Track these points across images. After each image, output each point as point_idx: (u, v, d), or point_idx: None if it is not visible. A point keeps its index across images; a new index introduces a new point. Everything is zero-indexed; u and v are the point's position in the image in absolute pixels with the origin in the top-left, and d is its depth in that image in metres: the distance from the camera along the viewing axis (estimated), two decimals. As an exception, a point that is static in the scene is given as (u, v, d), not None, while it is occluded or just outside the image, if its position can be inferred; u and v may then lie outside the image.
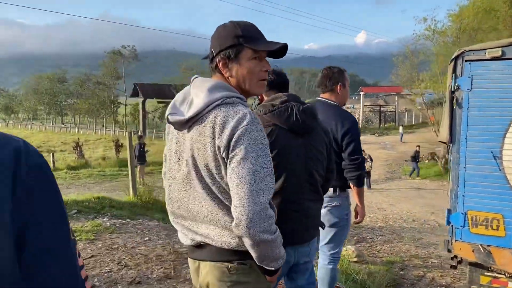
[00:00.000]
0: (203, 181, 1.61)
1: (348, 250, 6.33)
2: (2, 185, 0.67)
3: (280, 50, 1.66)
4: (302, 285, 2.44)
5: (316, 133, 2.32)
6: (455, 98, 4.43)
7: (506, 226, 4.19)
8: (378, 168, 22.20)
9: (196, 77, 1.71)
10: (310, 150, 2.26)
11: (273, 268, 1.59)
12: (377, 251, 7.23)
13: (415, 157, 20.16)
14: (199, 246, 1.71)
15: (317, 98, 3.49)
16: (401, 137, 34.79)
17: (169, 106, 1.70)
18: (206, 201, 1.61)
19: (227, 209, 1.58)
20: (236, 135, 1.49)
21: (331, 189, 3.18)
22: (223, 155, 1.52)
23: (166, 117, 1.67)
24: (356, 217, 3.42)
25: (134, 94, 45.92)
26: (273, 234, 1.49)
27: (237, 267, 1.63)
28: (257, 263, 1.58)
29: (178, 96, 1.73)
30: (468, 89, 4.34)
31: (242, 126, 1.50)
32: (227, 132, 1.50)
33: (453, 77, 4.42)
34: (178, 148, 1.70)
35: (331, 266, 3.39)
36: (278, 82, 2.66)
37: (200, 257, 1.72)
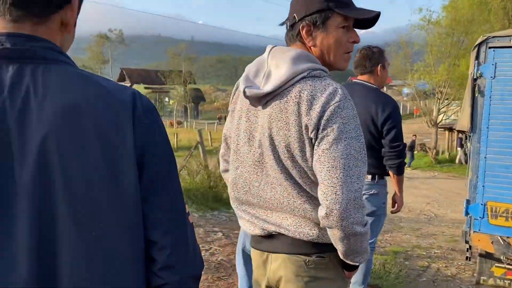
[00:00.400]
0: (281, 164, 1.41)
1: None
2: (125, 120, 0.82)
3: (371, 20, 1.47)
4: None
5: None
6: (477, 86, 4.30)
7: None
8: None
9: (274, 46, 1.50)
10: None
11: (357, 263, 1.43)
12: (379, 241, 7.16)
13: (412, 147, 20.22)
14: (270, 236, 1.51)
15: (353, 80, 3.32)
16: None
17: (241, 78, 1.49)
18: (282, 187, 1.42)
19: (307, 196, 1.40)
20: (327, 113, 1.29)
21: (369, 177, 3.05)
22: (311, 135, 1.32)
23: (242, 91, 1.44)
24: (393, 206, 3.29)
25: (121, 79, 45.25)
26: (365, 226, 1.32)
27: (316, 261, 1.44)
28: (341, 257, 1.41)
29: (250, 68, 1.51)
30: (491, 77, 4.21)
31: (334, 102, 1.30)
32: (316, 109, 1.31)
33: (475, 64, 4.29)
34: (249, 127, 1.50)
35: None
36: None
37: (271, 249, 1.51)
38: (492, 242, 4.28)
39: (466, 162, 18.94)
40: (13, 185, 0.74)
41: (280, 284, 1.50)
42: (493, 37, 4.27)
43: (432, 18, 19.08)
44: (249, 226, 1.57)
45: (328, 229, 1.34)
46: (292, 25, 1.48)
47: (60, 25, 0.88)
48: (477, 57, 4.30)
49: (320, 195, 1.31)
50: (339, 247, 1.36)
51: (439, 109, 20.85)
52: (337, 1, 1.42)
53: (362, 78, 3.16)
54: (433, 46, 19.07)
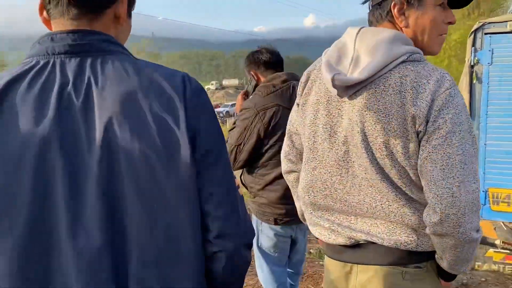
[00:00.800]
0: (376, 163, 1.23)
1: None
2: (178, 102, 0.89)
3: None
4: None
5: None
6: (474, 72, 4.29)
7: (530, 202, 4.15)
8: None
9: (362, 27, 1.30)
10: None
11: (460, 273, 1.27)
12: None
13: None
14: (357, 245, 1.33)
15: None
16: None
17: (323, 66, 1.27)
18: (375, 189, 1.25)
19: (406, 199, 1.23)
20: (438, 102, 1.13)
21: None
22: (419, 128, 1.16)
23: (330, 79, 1.21)
24: None
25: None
26: (479, 231, 1.17)
27: (414, 272, 1.27)
28: (446, 266, 1.25)
29: (330, 54, 1.31)
30: (488, 63, 4.22)
31: (444, 89, 1.14)
32: (425, 97, 1.14)
33: (472, 51, 4.29)
34: (330, 122, 1.31)
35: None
36: (274, 61, 2.58)
37: (359, 260, 1.34)
38: (495, 228, 4.32)
39: None
40: (83, 168, 0.84)
41: None
42: (489, 23, 4.28)
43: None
44: (329, 234, 1.39)
45: (436, 237, 1.18)
46: (380, 2, 1.30)
47: (113, 19, 0.97)
48: (473, 44, 4.29)
49: (431, 198, 1.15)
50: (448, 256, 1.20)
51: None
52: None
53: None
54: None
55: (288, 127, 1.53)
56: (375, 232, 1.28)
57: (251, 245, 1.01)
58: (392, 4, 1.27)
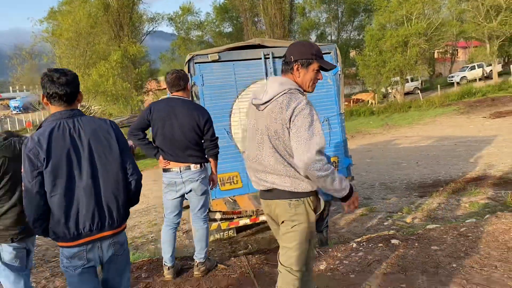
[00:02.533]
0: (272, 144, 2.45)
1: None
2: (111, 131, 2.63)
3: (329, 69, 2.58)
4: None
5: None
6: (193, 92, 5.68)
7: (242, 179, 5.92)
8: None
9: (271, 77, 2.31)
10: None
11: (339, 197, 2.40)
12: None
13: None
14: (269, 190, 2.54)
15: (170, 96, 3.97)
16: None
17: (252, 95, 2.59)
18: (273, 157, 2.45)
19: (287, 163, 2.43)
20: (295, 112, 2.34)
21: (198, 166, 3.93)
22: (288, 125, 2.36)
23: (251, 102, 2.56)
24: (209, 183, 4.21)
25: None
26: (325, 171, 2.28)
27: (295, 202, 2.47)
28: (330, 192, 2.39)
29: (257, 89, 2.61)
30: (201, 84, 5.69)
31: (299, 106, 2.35)
32: (289, 110, 2.35)
33: (189, 76, 5.64)
34: (255, 123, 2.56)
35: (206, 225, 4.15)
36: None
37: (270, 197, 2.56)
38: (225, 203, 5.87)
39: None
40: (80, 159, 2.42)
41: (278, 218, 2.55)
42: (197, 55, 5.75)
43: (54, 30, 19.35)
44: (257, 185, 2.54)
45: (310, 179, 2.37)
46: (288, 62, 2.50)
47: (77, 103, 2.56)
48: (189, 71, 5.66)
49: (295, 159, 2.33)
50: (320, 186, 2.38)
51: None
52: (317, 55, 2.48)
53: (178, 94, 3.97)
54: (63, 58, 19.48)
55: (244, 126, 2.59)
56: (277, 182, 2.48)
57: (140, 179, 2.60)
58: (295, 65, 2.49)
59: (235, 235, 6.89)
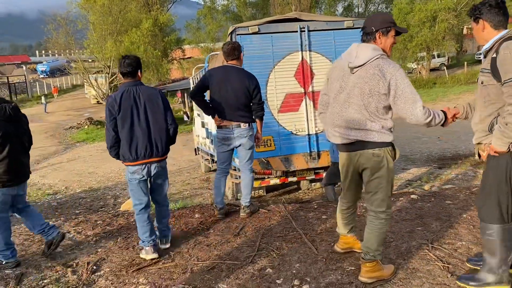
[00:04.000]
0: (363, 101, 2.80)
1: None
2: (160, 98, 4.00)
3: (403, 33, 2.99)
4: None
5: (23, 121, 4.05)
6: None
7: (275, 143, 6.53)
8: (43, 141, 21.54)
9: (357, 44, 2.87)
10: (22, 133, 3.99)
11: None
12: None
13: None
14: (351, 143, 2.92)
15: (225, 64, 4.60)
16: (45, 108, 33.70)
17: (343, 58, 2.94)
18: (360, 114, 2.83)
19: (374, 117, 2.81)
20: (393, 76, 2.71)
21: (247, 125, 4.59)
22: (387, 85, 2.73)
23: (347, 65, 2.89)
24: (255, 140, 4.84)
25: None
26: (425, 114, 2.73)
27: (378, 152, 2.85)
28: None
29: (345, 55, 2.96)
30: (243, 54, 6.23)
31: (395, 70, 2.73)
32: (387, 74, 2.72)
33: (231, 46, 6.17)
34: (343, 84, 2.92)
35: (251, 175, 4.84)
36: None
37: (353, 149, 2.94)
38: (259, 163, 6.50)
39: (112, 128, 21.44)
40: (139, 112, 3.83)
41: (360, 167, 2.95)
42: (239, 27, 6.28)
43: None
44: (336, 139, 3.03)
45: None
46: (369, 32, 2.87)
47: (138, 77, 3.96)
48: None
49: (406, 114, 2.74)
50: (428, 126, 2.84)
51: (109, 83, 22.41)
52: (394, 23, 2.87)
53: (232, 63, 4.61)
54: (96, 24, 20.12)
55: (322, 91, 3.20)
56: (360, 135, 2.84)
57: (176, 128, 3.99)
58: (377, 34, 2.85)
59: (265, 194, 7.52)
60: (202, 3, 44.32)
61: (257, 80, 4.70)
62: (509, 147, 2.61)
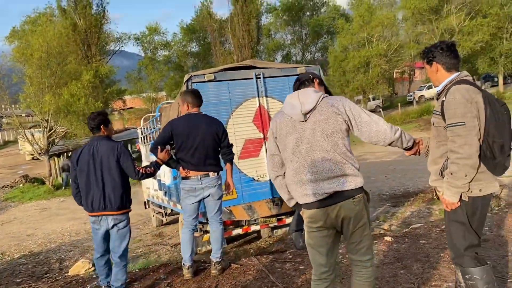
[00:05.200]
0: (331, 143, 2.62)
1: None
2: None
3: None
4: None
5: None
6: (191, 109, 6.07)
7: (237, 190, 6.31)
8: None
9: (299, 91, 2.73)
10: None
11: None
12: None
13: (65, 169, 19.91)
14: (328, 197, 2.59)
15: (189, 112, 4.44)
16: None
17: (289, 111, 2.72)
18: (329, 160, 2.62)
19: (347, 158, 2.64)
20: (346, 107, 2.65)
21: (215, 174, 4.39)
22: (346, 118, 2.63)
23: (294, 116, 2.68)
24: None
25: None
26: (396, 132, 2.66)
27: (357, 199, 2.61)
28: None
29: (286, 106, 2.77)
30: (199, 102, 6.10)
31: (344, 101, 2.68)
32: (341, 106, 2.64)
33: (187, 94, 6.04)
34: (298, 135, 2.68)
35: (222, 227, 4.57)
36: None
37: (331, 202, 2.60)
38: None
39: (67, 184, 20.45)
40: (95, 166, 4.16)
41: (339, 220, 2.63)
42: (195, 75, 6.19)
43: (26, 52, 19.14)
44: (308, 198, 2.67)
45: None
46: (307, 80, 2.83)
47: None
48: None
49: (376, 137, 2.65)
50: (399, 144, 2.71)
51: (47, 137, 21.23)
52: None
53: (196, 110, 4.53)
54: (33, 78, 19.20)
55: (269, 152, 2.86)
56: (336, 185, 2.56)
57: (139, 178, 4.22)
58: (316, 80, 2.83)
59: (225, 246, 7.20)
60: (142, 54, 44.35)
61: (223, 123, 4.58)
62: (461, 196, 2.65)
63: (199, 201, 4.50)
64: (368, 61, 32.35)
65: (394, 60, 34.96)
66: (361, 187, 2.65)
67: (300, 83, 2.86)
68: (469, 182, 2.61)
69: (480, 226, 2.75)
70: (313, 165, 2.63)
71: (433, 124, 2.86)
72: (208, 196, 4.44)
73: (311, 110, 2.65)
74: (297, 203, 2.80)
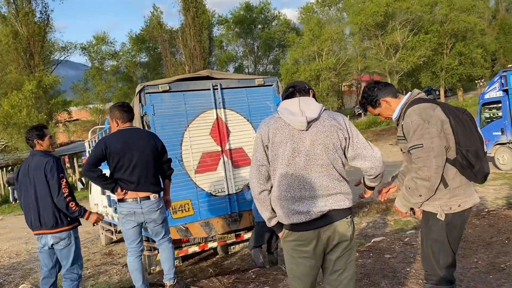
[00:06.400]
0: (330, 158, 2.44)
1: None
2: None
3: None
4: None
5: None
6: (144, 121, 5.77)
7: (194, 206, 6.05)
8: None
9: (300, 98, 2.51)
10: None
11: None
12: None
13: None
14: (322, 216, 2.36)
15: (121, 128, 4.17)
16: None
17: (288, 118, 2.42)
18: (326, 176, 2.42)
19: (343, 177, 2.46)
20: (346, 122, 2.49)
21: (157, 195, 4.04)
22: (346, 135, 2.47)
23: (294, 123, 2.40)
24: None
25: None
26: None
27: (350, 219, 2.45)
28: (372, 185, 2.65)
29: (284, 112, 2.47)
30: (152, 114, 5.81)
31: (344, 116, 2.54)
32: (342, 121, 2.48)
33: (140, 106, 5.74)
34: (296, 146, 2.42)
35: (171, 245, 4.28)
36: None
37: (325, 223, 2.36)
38: (177, 231, 5.91)
39: (14, 200, 19.25)
40: (28, 183, 4.01)
41: (331, 242, 2.39)
42: (148, 85, 5.88)
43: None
44: (299, 217, 2.40)
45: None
46: (303, 89, 2.57)
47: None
48: (140, 101, 5.75)
49: (370, 160, 2.50)
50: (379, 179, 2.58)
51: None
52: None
53: (128, 125, 4.16)
54: None
55: (255, 162, 2.47)
56: (330, 203, 2.35)
57: (63, 200, 3.85)
58: (311, 91, 2.58)
59: (181, 264, 6.88)
60: (89, 64, 42.80)
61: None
62: (410, 210, 2.72)
63: (140, 224, 4.11)
64: (318, 74, 33.01)
65: (342, 73, 35.94)
66: (352, 207, 2.48)
67: (296, 90, 2.59)
68: (450, 198, 2.59)
69: (457, 242, 2.69)
70: (309, 180, 2.38)
71: (402, 150, 2.84)
72: (151, 222, 4.06)
73: (314, 119, 2.43)
74: (278, 223, 2.51)
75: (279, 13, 48.31)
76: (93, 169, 3.92)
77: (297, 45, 36.47)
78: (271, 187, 2.50)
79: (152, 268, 6.35)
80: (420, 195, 2.55)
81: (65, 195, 3.81)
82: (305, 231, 2.39)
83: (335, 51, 35.73)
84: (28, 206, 3.93)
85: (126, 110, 4.11)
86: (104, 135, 8.01)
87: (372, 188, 2.75)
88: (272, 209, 2.49)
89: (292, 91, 2.59)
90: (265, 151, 2.48)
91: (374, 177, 2.56)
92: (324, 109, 2.51)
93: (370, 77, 43.71)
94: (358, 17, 32.97)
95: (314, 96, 2.62)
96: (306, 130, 2.42)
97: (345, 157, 2.50)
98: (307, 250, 2.40)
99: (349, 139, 2.47)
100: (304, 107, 2.45)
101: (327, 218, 2.38)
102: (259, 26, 47.30)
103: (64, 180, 3.85)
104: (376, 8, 31.70)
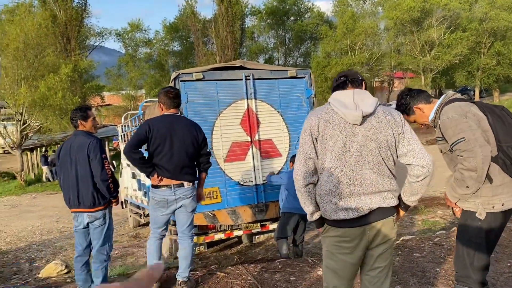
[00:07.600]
0: (382, 156, 2.37)
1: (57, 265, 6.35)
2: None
3: None
4: None
5: None
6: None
7: (221, 194, 6.12)
8: None
9: (355, 90, 2.41)
10: None
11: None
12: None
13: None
14: (369, 213, 2.30)
15: (166, 113, 4.13)
16: None
17: (341, 110, 2.33)
18: (377, 173, 2.34)
19: (393, 175, 2.38)
20: (402, 118, 2.42)
21: (190, 184, 4.02)
22: (401, 131, 2.38)
23: (361, 113, 2.29)
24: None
25: None
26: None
27: (395, 217, 2.39)
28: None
29: (336, 104, 2.38)
30: (186, 102, 5.87)
31: (398, 113, 2.47)
32: (398, 116, 2.41)
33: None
34: (347, 140, 2.33)
35: (192, 244, 4.18)
36: None
37: (372, 220, 2.30)
38: (204, 217, 6.01)
39: (53, 178, 19.93)
40: (71, 162, 4.10)
41: (377, 240, 2.34)
42: (182, 73, 5.95)
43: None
44: (346, 213, 2.34)
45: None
46: (356, 80, 2.46)
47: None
48: (174, 88, 5.82)
49: (420, 160, 2.34)
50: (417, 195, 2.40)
51: (21, 131, 20.43)
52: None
53: (173, 111, 4.11)
54: (8, 69, 18.43)
55: (302, 155, 2.36)
56: (378, 200, 2.28)
57: (105, 181, 4.01)
58: (364, 83, 2.48)
59: (206, 250, 6.98)
60: (123, 51, 43.50)
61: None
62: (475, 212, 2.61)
63: (171, 213, 4.11)
64: (350, 68, 32.51)
65: (375, 69, 35.29)
66: (397, 205, 2.41)
67: (348, 80, 2.47)
68: (492, 196, 2.54)
69: (494, 244, 2.64)
70: (359, 177, 2.30)
71: (442, 152, 2.81)
72: (181, 207, 4.03)
73: (369, 114, 2.33)
74: (320, 218, 2.43)
75: (312, 5, 47.63)
76: (134, 151, 3.89)
77: (329, 38, 35.96)
78: (317, 180, 2.42)
79: (178, 253, 6.46)
80: (467, 187, 2.50)
81: (108, 175, 3.92)
82: (350, 228, 2.33)
83: (368, 46, 35.07)
84: (68, 185, 4.01)
85: (171, 97, 4.06)
86: (136, 120, 8.18)
87: (407, 208, 2.49)
88: (316, 203, 2.42)
89: (344, 80, 2.47)
90: (313, 144, 2.38)
91: (422, 179, 2.32)
92: (379, 103, 2.42)
93: (403, 73, 42.83)
94: (394, 12, 32.24)
95: (366, 88, 2.53)
96: (359, 124, 2.33)
97: (397, 154, 2.39)
98: (349, 246, 2.36)
99: (403, 134, 2.36)
100: (359, 100, 2.34)
101: (374, 216, 2.32)
102: (292, 17, 46.83)
103: (107, 161, 3.94)
104: (413, 3, 30.92)
